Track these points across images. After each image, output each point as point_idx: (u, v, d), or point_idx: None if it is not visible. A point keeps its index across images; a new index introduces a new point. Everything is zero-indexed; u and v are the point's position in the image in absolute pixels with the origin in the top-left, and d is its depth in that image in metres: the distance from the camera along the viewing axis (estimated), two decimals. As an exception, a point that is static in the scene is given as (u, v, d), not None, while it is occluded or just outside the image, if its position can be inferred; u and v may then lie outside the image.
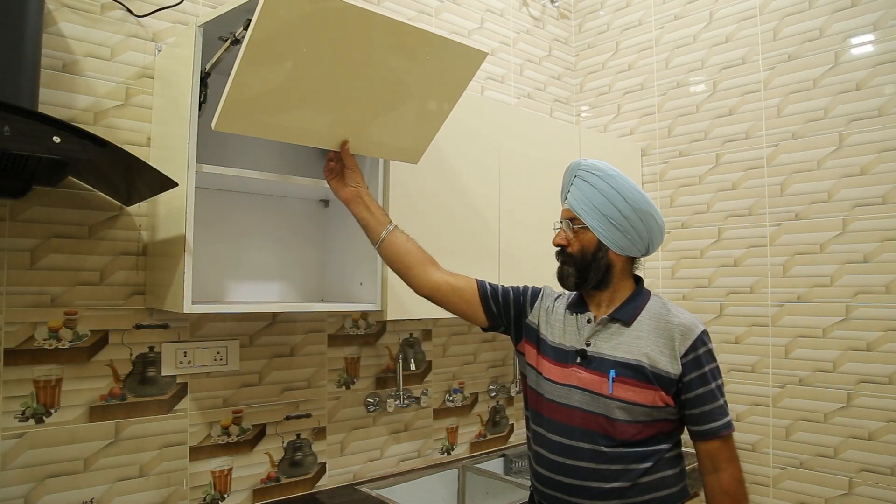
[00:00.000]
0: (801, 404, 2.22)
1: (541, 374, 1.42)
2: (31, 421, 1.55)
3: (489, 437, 2.61)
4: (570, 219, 1.40)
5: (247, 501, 1.91)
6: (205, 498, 1.82)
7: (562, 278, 1.41)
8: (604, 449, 1.30)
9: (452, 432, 2.47)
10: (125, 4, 1.72)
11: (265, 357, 1.96)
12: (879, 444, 2.04)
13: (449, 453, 2.46)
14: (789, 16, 2.32)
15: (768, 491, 2.29)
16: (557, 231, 1.42)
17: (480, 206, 2.12)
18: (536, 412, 1.44)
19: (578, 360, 1.37)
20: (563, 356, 1.39)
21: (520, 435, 2.73)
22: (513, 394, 2.68)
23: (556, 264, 1.43)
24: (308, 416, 2.05)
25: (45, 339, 1.58)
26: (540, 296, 1.51)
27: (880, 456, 2.03)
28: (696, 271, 2.54)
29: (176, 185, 1.37)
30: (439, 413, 2.43)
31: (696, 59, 2.60)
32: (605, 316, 1.38)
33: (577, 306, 1.43)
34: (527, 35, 2.88)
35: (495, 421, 2.64)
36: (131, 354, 1.71)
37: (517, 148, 2.25)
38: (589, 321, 1.40)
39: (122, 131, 1.71)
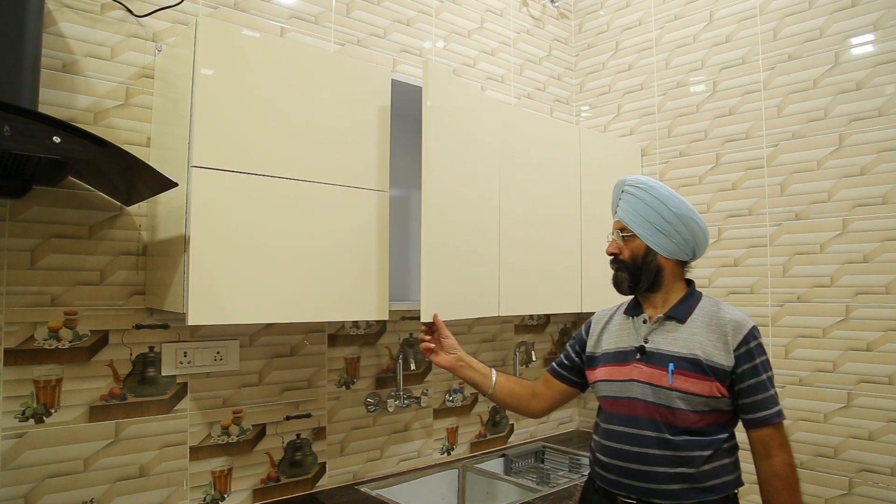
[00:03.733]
0: (801, 404, 2.22)
1: (602, 380, 1.55)
2: (31, 421, 1.55)
3: (489, 437, 2.61)
4: (620, 229, 1.55)
5: (247, 501, 1.91)
6: (205, 498, 1.82)
7: (617, 284, 1.56)
8: (668, 437, 1.41)
9: (452, 432, 2.47)
10: (125, 4, 1.72)
11: (265, 357, 1.96)
12: (879, 444, 2.03)
13: (449, 453, 2.46)
14: (789, 16, 2.32)
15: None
16: (609, 241, 1.58)
17: (480, 206, 2.12)
18: (601, 409, 1.58)
19: (638, 356, 1.49)
20: (624, 356, 1.52)
21: (520, 435, 2.73)
22: (513, 394, 2.68)
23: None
24: (308, 416, 2.05)
25: (45, 339, 1.58)
26: (589, 329, 1.67)
27: (880, 456, 2.03)
28: (696, 271, 2.52)
29: (176, 185, 1.37)
30: (439, 413, 2.43)
31: (696, 59, 2.60)
32: (660, 315, 1.50)
33: (634, 309, 1.57)
34: (527, 35, 2.88)
35: (495, 421, 2.64)
36: (131, 354, 1.71)
37: (517, 148, 2.25)
38: (645, 321, 1.52)
39: (122, 131, 1.71)
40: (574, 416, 2.99)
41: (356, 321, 2.18)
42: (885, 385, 2.04)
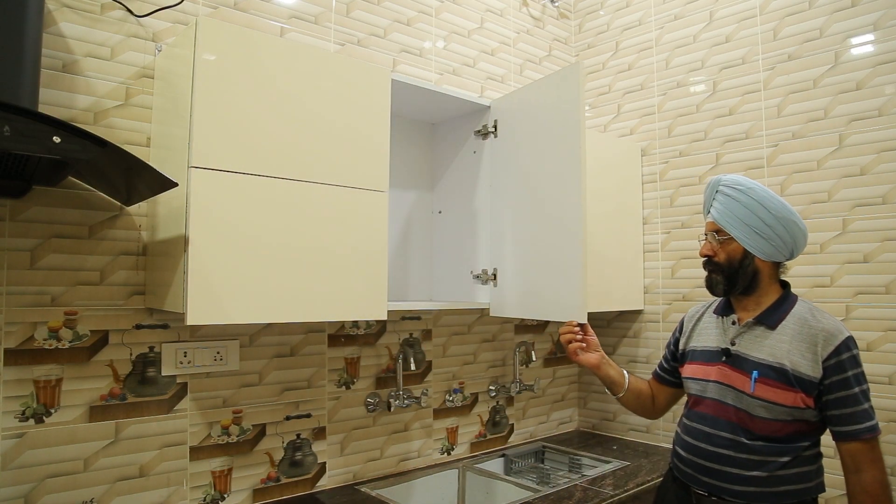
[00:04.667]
0: (801, 404, 2.22)
1: (688, 377, 1.59)
2: (31, 421, 1.55)
3: (489, 437, 2.61)
4: (715, 231, 1.52)
5: (247, 501, 1.91)
6: (205, 498, 1.82)
7: (710, 286, 1.54)
8: (744, 441, 1.42)
9: (452, 432, 2.47)
10: (125, 4, 1.72)
11: (265, 357, 1.96)
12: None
13: (449, 453, 2.46)
14: (789, 16, 2.32)
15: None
16: (703, 243, 1.55)
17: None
18: (686, 405, 1.62)
19: (723, 358, 1.50)
20: (710, 356, 1.54)
21: (520, 435, 2.73)
22: (513, 394, 2.68)
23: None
24: (308, 416, 2.05)
25: (45, 339, 1.58)
26: (682, 327, 1.70)
27: (880, 456, 2.03)
28: (696, 271, 2.53)
29: (176, 185, 1.37)
30: (439, 413, 2.43)
31: (696, 59, 2.60)
32: (750, 319, 1.49)
33: (725, 310, 1.57)
34: (527, 35, 2.88)
35: (495, 421, 2.64)
36: (131, 354, 1.71)
37: (517, 148, 2.25)
38: (734, 323, 1.52)
39: (122, 131, 1.71)
40: (574, 416, 2.99)
41: (356, 321, 2.18)
42: (885, 385, 2.04)
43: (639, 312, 2.76)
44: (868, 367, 2.06)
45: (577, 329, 1.73)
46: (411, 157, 2.38)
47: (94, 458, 1.64)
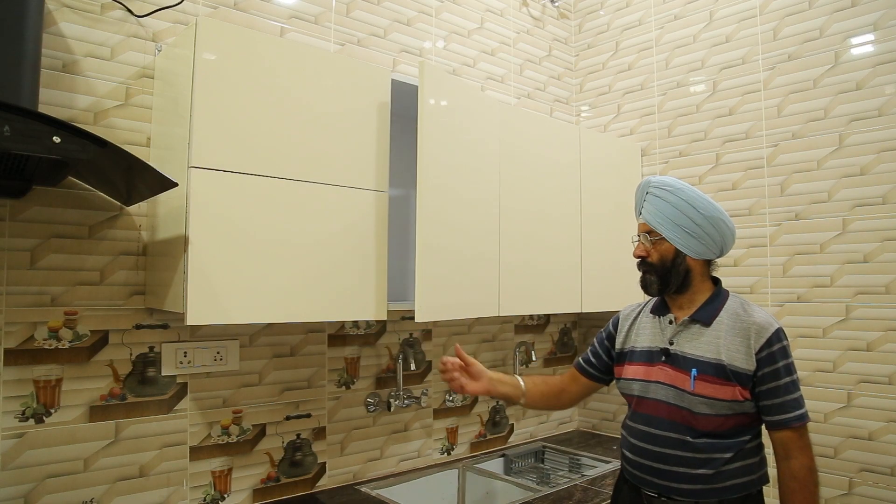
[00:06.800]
0: (801, 404, 2.22)
1: (629, 379, 1.57)
2: (31, 421, 1.55)
3: (489, 437, 2.61)
4: (647, 232, 1.53)
5: (247, 501, 1.91)
6: (205, 498, 1.82)
7: (645, 286, 1.55)
8: (689, 439, 1.43)
9: (452, 432, 2.47)
10: (125, 4, 1.72)
11: (265, 357, 1.96)
12: (879, 444, 2.03)
13: (449, 453, 2.46)
14: (789, 16, 2.32)
15: (769, 490, 2.28)
16: (636, 244, 1.56)
17: (480, 206, 2.12)
18: (629, 406, 1.60)
19: (663, 358, 1.51)
20: (650, 356, 1.54)
21: (520, 435, 2.73)
22: (513, 394, 2.68)
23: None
24: (308, 416, 2.05)
25: (45, 339, 1.58)
26: (617, 325, 1.68)
27: (880, 456, 2.03)
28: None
29: (176, 185, 1.37)
30: (439, 413, 2.43)
31: (696, 59, 2.60)
32: (686, 318, 1.51)
33: (660, 310, 1.58)
34: (527, 35, 2.88)
35: (495, 421, 2.64)
36: (131, 354, 1.71)
37: (517, 148, 2.25)
38: (671, 322, 1.53)
39: (122, 131, 1.71)
40: (574, 416, 2.99)
41: (356, 321, 2.18)
42: (885, 385, 2.04)
43: (639, 312, 2.76)
44: (868, 367, 2.08)
45: (450, 366, 1.64)
46: (412, 157, 2.38)
47: (94, 458, 1.64)
